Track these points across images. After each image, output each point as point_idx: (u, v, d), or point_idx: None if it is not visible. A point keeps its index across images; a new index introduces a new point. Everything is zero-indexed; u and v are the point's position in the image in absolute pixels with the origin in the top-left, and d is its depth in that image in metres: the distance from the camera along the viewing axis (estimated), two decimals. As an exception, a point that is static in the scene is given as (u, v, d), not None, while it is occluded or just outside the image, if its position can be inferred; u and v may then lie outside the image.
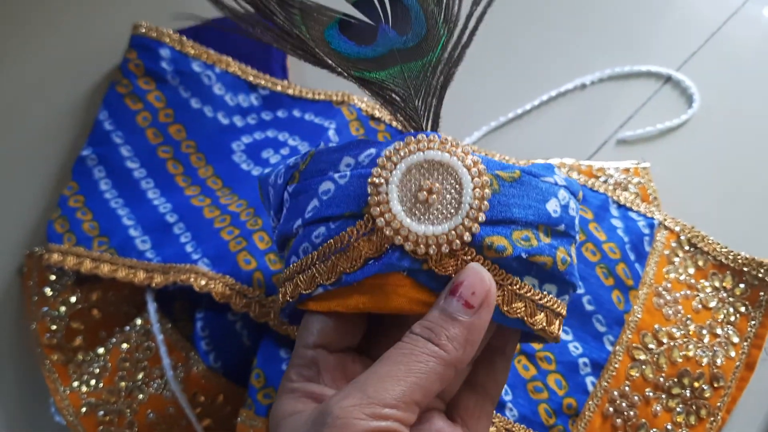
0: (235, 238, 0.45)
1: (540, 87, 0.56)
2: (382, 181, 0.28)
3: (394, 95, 0.31)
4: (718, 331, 0.46)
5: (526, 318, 0.29)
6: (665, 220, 0.49)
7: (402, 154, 0.28)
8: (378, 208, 0.28)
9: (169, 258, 0.45)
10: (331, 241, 0.29)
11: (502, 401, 0.41)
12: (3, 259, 0.51)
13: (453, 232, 0.28)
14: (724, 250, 0.48)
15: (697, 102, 0.55)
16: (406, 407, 0.25)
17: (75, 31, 0.59)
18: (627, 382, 0.43)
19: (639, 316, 0.45)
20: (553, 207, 0.30)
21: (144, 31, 0.53)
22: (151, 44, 0.52)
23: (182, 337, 0.45)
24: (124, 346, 0.45)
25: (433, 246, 0.28)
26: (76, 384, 0.45)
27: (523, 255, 0.28)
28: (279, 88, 0.53)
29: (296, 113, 0.52)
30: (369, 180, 0.28)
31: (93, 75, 0.56)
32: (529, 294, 0.29)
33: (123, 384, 0.44)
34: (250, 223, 0.45)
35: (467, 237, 0.28)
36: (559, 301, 0.31)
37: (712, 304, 0.47)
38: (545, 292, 0.30)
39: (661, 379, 0.44)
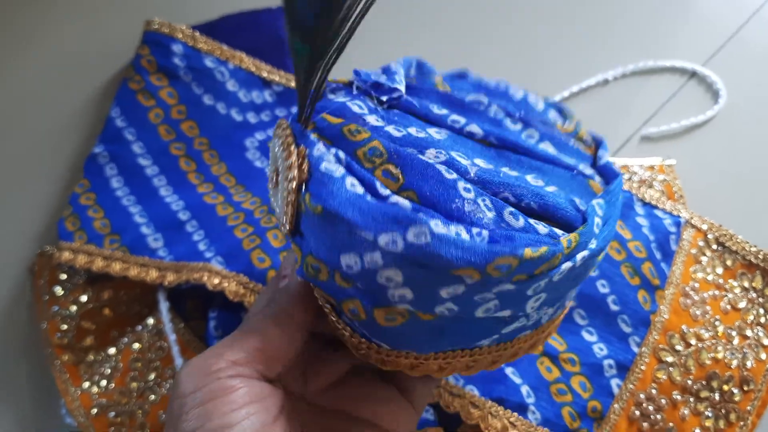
0: (248, 236, 0.44)
1: (561, 82, 0.55)
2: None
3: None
4: (748, 332, 0.44)
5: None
6: (692, 218, 0.47)
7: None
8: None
9: (181, 256, 0.44)
10: None
11: (524, 404, 0.40)
12: (15, 258, 0.50)
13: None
14: (753, 249, 0.46)
15: (723, 98, 0.54)
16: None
17: (88, 27, 0.58)
18: (654, 384, 0.42)
19: (666, 316, 0.43)
20: None
21: (156, 27, 0.52)
22: (164, 40, 0.52)
23: (195, 337, 0.44)
24: (136, 346, 0.44)
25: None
26: (86, 385, 0.44)
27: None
28: (293, 84, 0.52)
29: None
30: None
31: (106, 71, 0.56)
32: None
33: (134, 385, 0.43)
34: (264, 220, 0.44)
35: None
36: None
37: (741, 305, 0.45)
38: None
39: (689, 382, 0.42)
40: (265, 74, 0.52)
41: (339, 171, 0.23)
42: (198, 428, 0.24)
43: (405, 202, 0.22)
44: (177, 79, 0.51)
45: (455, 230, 0.21)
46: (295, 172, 0.24)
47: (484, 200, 0.23)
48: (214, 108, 0.51)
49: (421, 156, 0.24)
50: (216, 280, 0.41)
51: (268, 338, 0.27)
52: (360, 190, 0.23)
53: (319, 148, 0.24)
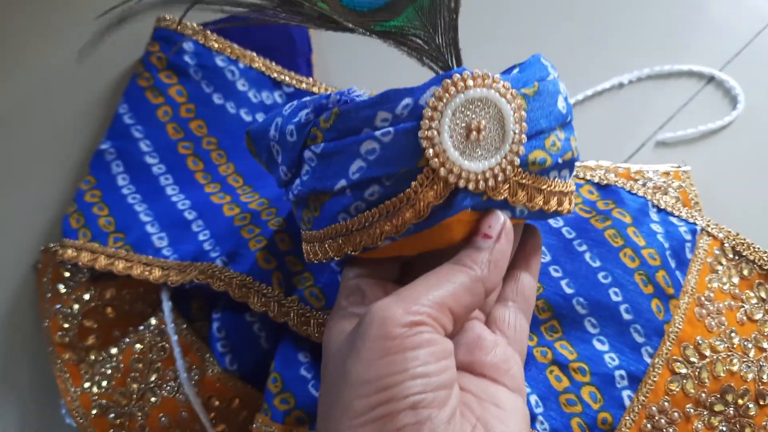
0: (255, 237, 0.43)
1: (575, 86, 0.54)
2: (435, 133, 0.29)
3: (415, 39, 0.32)
4: (765, 344, 0.43)
5: (543, 206, 0.32)
6: (708, 226, 0.46)
7: (444, 100, 0.29)
8: (437, 160, 0.29)
9: (186, 256, 0.44)
10: (395, 198, 0.30)
11: (532, 414, 0.39)
12: (20, 255, 0.50)
13: (504, 161, 0.30)
14: (771, 258, 0.45)
15: (741, 103, 0.53)
16: (439, 309, 0.28)
17: (100, 22, 0.58)
18: (666, 396, 0.41)
19: (680, 327, 0.42)
20: (561, 104, 0.32)
21: (167, 23, 0.52)
22: (174, 37, 0.51)
23: (198, 338, 0.43)
24: (138, 346, 0.43)
25: (491, 178, 0.30)
26: (87, 385, 0.43)
27: (559, 160, 0.32)
28: (304, 85, 0.52)
29: None
30: (420, 134, 0.29)
31: (116, 67, 0.55)
32: (552, 188, 0.32)
33: (135, 386, 0.43)
34: (272, 222, 0.44)
35: (516, 161, 0.30)
36: (571, 182, 0.34)
37: (758, 316, 0.44)
38: (564, 180, 0.33)
39: (703, 395, 0.41)
40: (275, 74, 0.52)
41: None
42: (390, 375, 0.26)
43: None
44: (187, 76, 0.50)
45: None
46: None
47: None
48: (224, 107, 0.50)
49: None
50: (220, 281, 0.41)
51: (459, 298, 0.29)
52: None
53: None
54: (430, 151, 0.29)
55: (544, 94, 0.31)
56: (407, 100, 0.29)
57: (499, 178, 0.30)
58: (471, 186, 0.30)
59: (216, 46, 0.51)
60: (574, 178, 0.46)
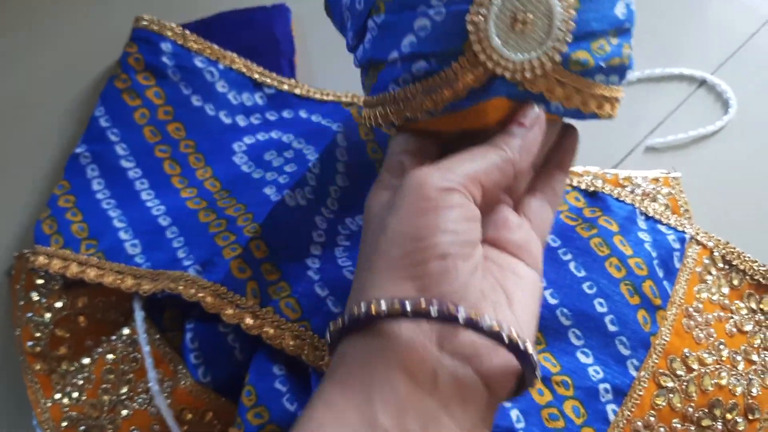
0: (230, 245, 0.42)
1: (563, 89, 0.52)
2: (481, 18, 0.30)
3: None
4: (754, 357, 0.42)
5: (580, 106, 0.33)
6: (697, 234, 0.45)
7: None
8: (479, 45, 0.30)
9: (159, 264, 0.43)
10: (437, 76, 0.31)
11: (513, 429, 0.37)
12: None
13: (545, 55, 0.31)
14: (762, 268, 0.44)
15: (733, 107, 0.51)
16: (471, 180, 0.30)
17: (78, 25, 0.57)
18: (652, 411, 0.40)
19: (667, 338, 0.41)
20: (621, 10, 0.32)
21: (146, 23, 0.51)
22: (153, 38, 0.50)
23: (171, 349, 0.42)
24: (110, 356, 0.42)
25: (528, 71, 0.31)
26: (58, 396, 0.42)
27: (602, 64, 0.32)
28: (286, 87, 0.51)
29: (303, 114, 0.49)
30: (467, 18, 0.30)
31: (95, 70, 0.54)
32: (593, 90, 0.32)
33: (106, 397, 0.41)
34: (248, 229, 0.42)
35: (557, 58, 0.31)
36: (618, 87, 0.34)
37: (748, 328, 0.43)
38: (609, 85, 0.33)
39: (690, 409, 0.40)
40: (256, 76, 0.51)
41: None
42: (424, 228, 0.29)
43: None
44: (165, 78, 0.49)
45: None
46: None
47: None
48: (203, 109, 0.49)
49: None
50: (192, 290, 0.39)
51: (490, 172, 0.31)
52: None
53: None
54: (474, 36, 0.30)
55: None
56: None
57: (538, 72, 0.31)
58: (508, 75, 0.31)
59: (195, 46, 0.50)
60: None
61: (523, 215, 0.34)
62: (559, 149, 0.37)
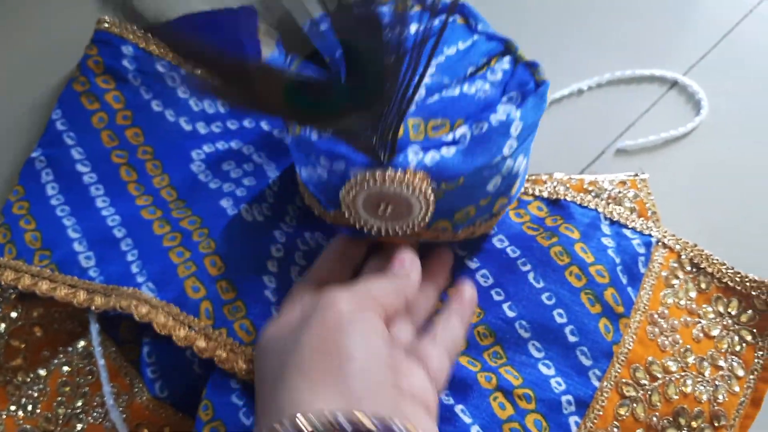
0: (185, 262, 0.41)
1: (532, 91, 0.52)
2: (351, 197, 0.35)
3: (355, 132, 0.34)
4: (721, 362, 0.41)
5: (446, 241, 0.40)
6: (664, 237, 0.44)
7: (364, 186, 0.34)
8: (348, 211, 0.36)
9: (112, 278, 0.41)
10: (325, 213, 0.39)
11: None
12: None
13: (405, 226, 0.37)
14: (730, 271, 0.43)
15: (705, 109, 0.51)
16: (374, 301, 0.34)
17: (39, 27, 0.55)
18: (615, 422, 0.39)
19: (630, 347, 0.40)
20: (495, 183, 0.36)
21: (107, 26, 0.49)
22: (114, 40, 0.49)
23: (128, 363, 0.41)
24: (65, 368, 0.41)
25: (391, 232, 0.37)
26: (13, 408, 0.41)
27: (459, 232, 0.39)
28: None
29: (264, 126, 0.48)
30: (341, 195, 0.35)
31: (57, 72, 0.53)
32: (453, 236, 0.40)
33: (61, 411, 0.40)
34: (203, 245, 0.41)
35: (416, 228, 0.37)
36: (484, 225, 0.41)
37: (715, 333, 0.42)
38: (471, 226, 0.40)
39: (654, 419, 0.39)
40: (220, 80, 0.49)
41: None
42: (336, 341, 0.31)
43: None
44: (125, 82, 0.48)
45: None
46: None
47: None
48: (163, 115, 0.48)
49: None
50: (144, 310, 0.38)
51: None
52: None
53: None
54: (344, 206, 0.36)
55: (469, 186, 0.35)
56: (341, 165, 0.34)
57: (399, 233, 0.37)
58: (374, 232, 0.37)
59: (157, 50, 0.49)
60: (523, 195, 0.44)
61: (421, 362, 0.35)
62: (454, 292, 0.40)
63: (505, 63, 0.39)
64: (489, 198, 0.37)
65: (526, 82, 0.38)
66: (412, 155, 0.34)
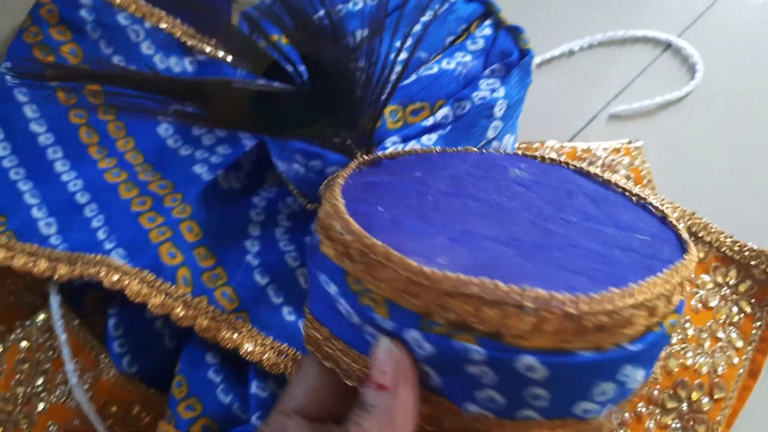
0: (158, 227, 0.38)
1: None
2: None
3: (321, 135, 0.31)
4: (720, 334, 0.40)
5: None
6: (661, 205, 0.42)
7: None
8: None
9: (77, 245, 0.38)
10: None
11: None
12: None
13: None
14: (729, 240, 0.42)
15: (699, 72, 0.49)
16: None
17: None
18: (616, 396, 0.37)
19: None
20: None
21: (64, -28, 0.45)
22: None
23: (93, 337, 0.37)
24: (24, 344, 0.38)
25: None
26: (-33, 388, 0.38)
27: None
28: (220, 54, 0.46)
29: None
30: (320, 191, 0.29)
31: (5, 23, 0.48)
32: None
33: (20, 390, 0.37)
34: (177, 210, 0.38)
35: None
36: None
37: (713, 303, 0.40)
38: None
39: (656, 392, 0.38)
40: (187, 39, 0.46)
41: None
42: None
43: None
44: (83, 34, 0.44)
45: None
46: None
47: None
48: None
49: None
50: (115, 277, 0.35)
51: None
52: None
53: None
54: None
55: None
56: (317, 163, 0.34)
57: None
58: None
59: (118, 1, 0.45)
60: None
61: None
62: None
63: (486, 29, 0.37)
64: None
65: (510, 52, 0.36)
66: (391, 149, 0.32)
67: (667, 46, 0.51)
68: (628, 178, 0.44)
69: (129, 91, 0.31)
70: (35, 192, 0.40)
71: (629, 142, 0.46)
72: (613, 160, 0.45)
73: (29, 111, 0.42)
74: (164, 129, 0.43)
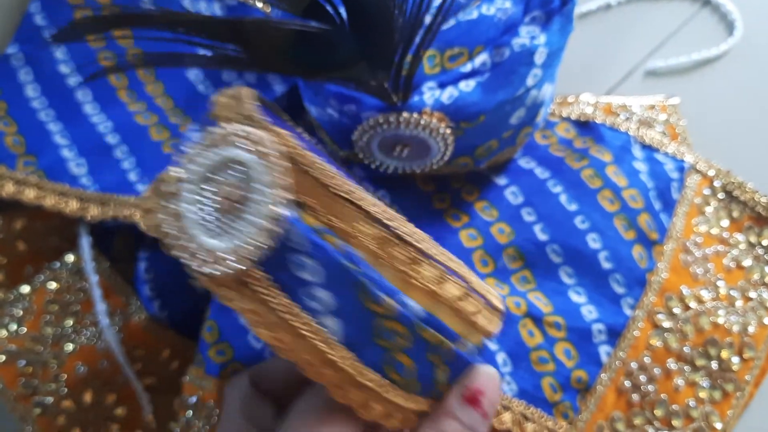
0: None
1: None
2: (365, 140, 0.34)
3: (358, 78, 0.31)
4: (752, 294, 0.39)
5: None
6: (697, 163, 0.42)
7: (377, 130, 0.33)
8: (363, 153, 0.36)
9: (108, 187, 0.38)
10: None
11: (500, 373, 0.35)
12: None
13: (422, 167, 0.36)
14: (763, 199, 0.41)
15: (738, 30, 0.48)
16: None
17: None
18: (647, 352, 0.37)
19: (664, 275, 0.38)
20: (518, 116, 0.35)
21: None
22: None
23: (123, 280, 0.38)
24: (52, 285, 0.38)
25: (407, 170, 0.36)
26: (-5, 327, 0.38)
27: (482, 165, 0.38)
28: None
29: None
30: (353, 136, 0.34)
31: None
32: None
33: (49, 330, 0.37)
34: None
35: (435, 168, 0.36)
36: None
37: (746, 263, 0.40)
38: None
39: (686, 349, 0.37)
40: (217, -21, 0.45)
41: None
42: None
43: None
44: None
45: None
46: None
47: None
48: None
49: None
50: None
51: None
52: None
53: None
54: (358, 150, 0.35)
55: (490, 122, 0.34)
56: (351, 107, 0.33)
57: (417, 172, 0.39)
58: (389, 171, 0.36)
59: (147, -57, 0.44)
60: (549, 116, 0.42)
61: None
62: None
63: None
64: (512, 131, 0.35)
65: None
66: (428, 94, 0.32)
67: (706, 2, 0.49)
68: (664, 134, 0.43)
69: (164, 34, 0.30)
70: (65, 132, 0.40)
71: (665, 99, 0.45)
72: (649, 116, 0.44)
73: (58, 53, 0.42)
74: (194, 74, 0.42)
